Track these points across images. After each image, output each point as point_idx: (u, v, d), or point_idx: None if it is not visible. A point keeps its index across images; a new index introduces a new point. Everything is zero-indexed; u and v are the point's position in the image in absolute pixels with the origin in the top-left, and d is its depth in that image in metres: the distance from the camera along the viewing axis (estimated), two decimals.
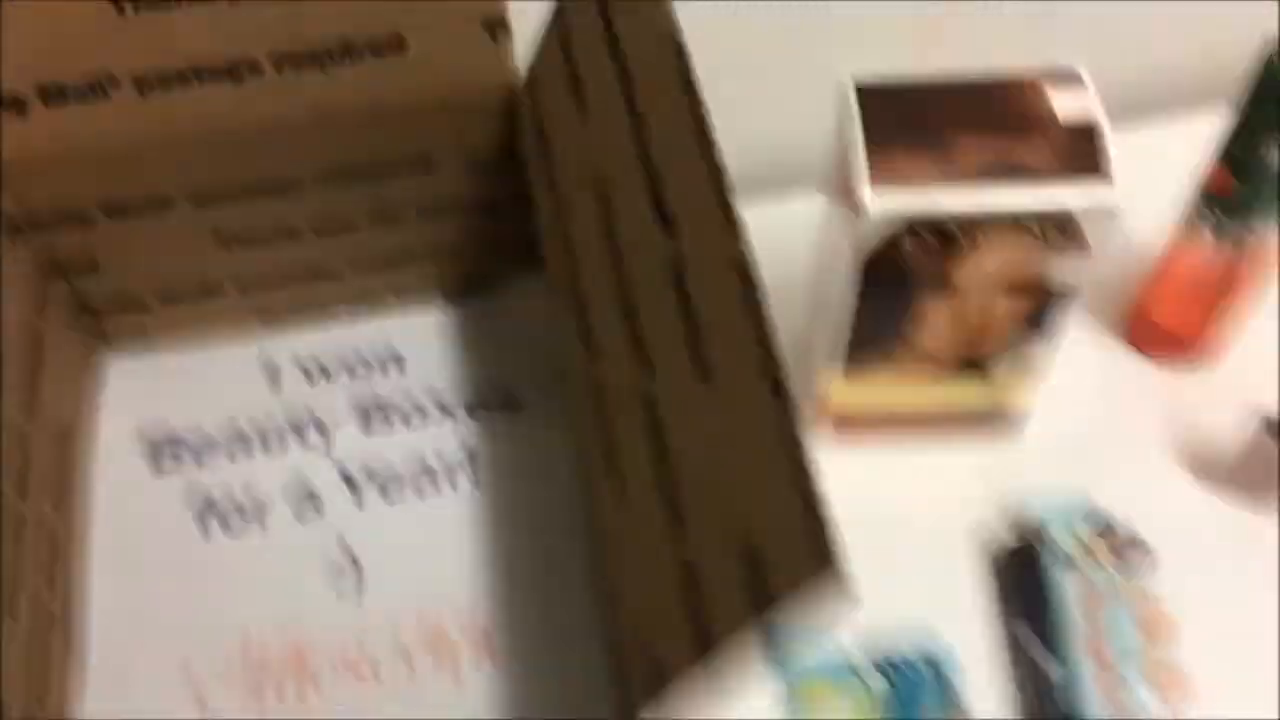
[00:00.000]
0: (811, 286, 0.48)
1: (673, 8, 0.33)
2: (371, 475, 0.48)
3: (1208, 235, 0.46)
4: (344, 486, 0.47)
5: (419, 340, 0.52)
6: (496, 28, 0.43)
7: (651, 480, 0.31)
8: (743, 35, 0.52)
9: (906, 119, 0.40)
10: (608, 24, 0.37)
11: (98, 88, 0.41)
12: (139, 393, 0.50)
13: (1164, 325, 0.51)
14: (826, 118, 0.45)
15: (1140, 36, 0.58)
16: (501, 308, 0.53)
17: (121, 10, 0.40)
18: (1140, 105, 0.56)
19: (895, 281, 0.40)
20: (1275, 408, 0.48)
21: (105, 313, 0.49)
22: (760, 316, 0.26)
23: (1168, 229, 0.49)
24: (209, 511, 0.47)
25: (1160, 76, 0.61)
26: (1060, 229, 0.39)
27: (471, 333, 0.52)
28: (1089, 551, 0.44)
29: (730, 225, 0.28)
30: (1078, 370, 0.48)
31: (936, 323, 0.42)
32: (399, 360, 0.51)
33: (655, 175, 0.33)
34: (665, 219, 0.32)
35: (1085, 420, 0.50)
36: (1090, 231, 0.39)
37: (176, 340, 0.51)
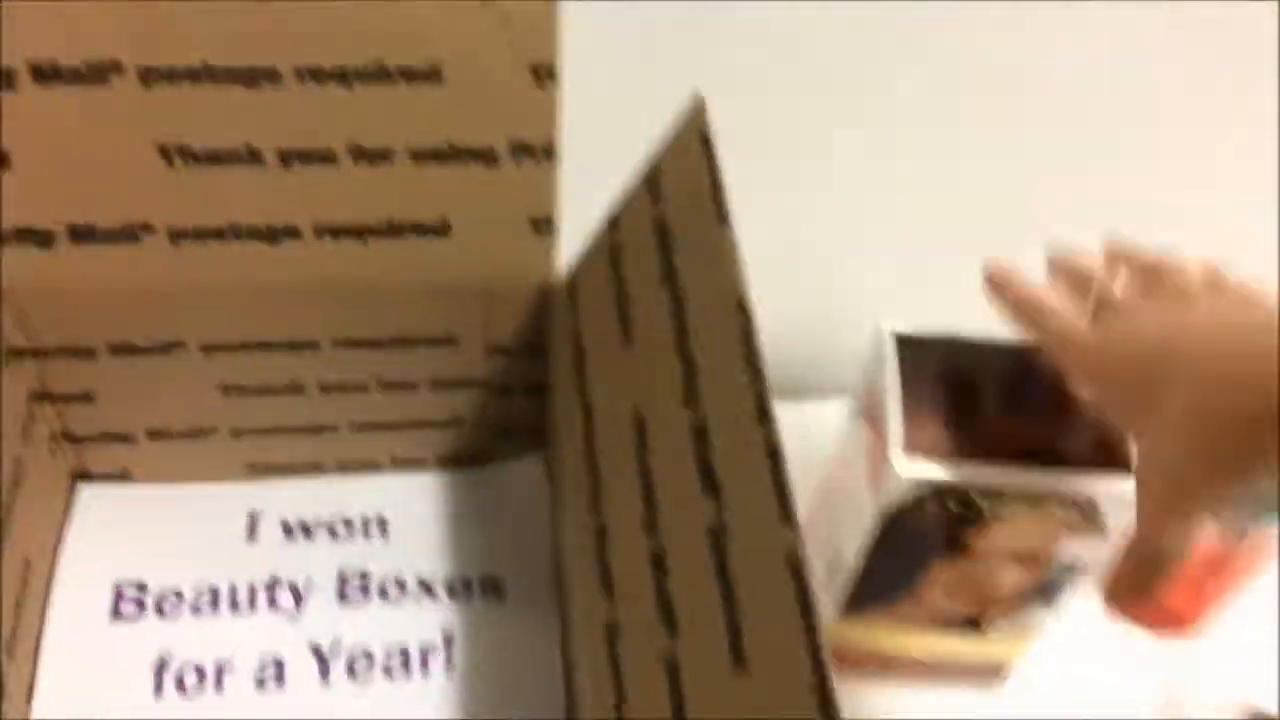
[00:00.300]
0: (818, 510, 0.48)
1: (741, 261, 0.33)
2: (340, 649, 0.45)
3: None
4: (311, 658, 0.45)
5: (407, 506, 0.51)
6: (542, 225, 0.43)
7: None
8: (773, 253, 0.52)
9: (943, 382, 0.40)
10: (666, 257, 0.37)
11: (130, 233, 0.40)
12: (109, 528, 0.48)
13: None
14: (848, 335, 0.45)
15: None
16: (495, 482, 0.52)
17: (170, 163, 0.39)
18: None
19: (912, 540, 0.40)
20: (1255, 694, 0.48)
21: (88, 441, 0.47)
22: (812, 624, 0.26)
23: None
24: (166, 668, 0.44)
25: None
26: (1081, 513, 0.39)
27: (462, 505, 0.51)
28: None
29: (786, 514, 0.28)
30: (1065, 629, 0.48)
31: (945, 582, 0.42)
32: (384, 525, 0.50)
33: (703, 432, 0.32)
34: (711, 483, 0.31)
35: (1069, 680, 0.49)
36: (1109, 518, 0.39)
37: (156, 478, 0.49)
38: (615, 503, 0.37)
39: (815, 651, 0.26)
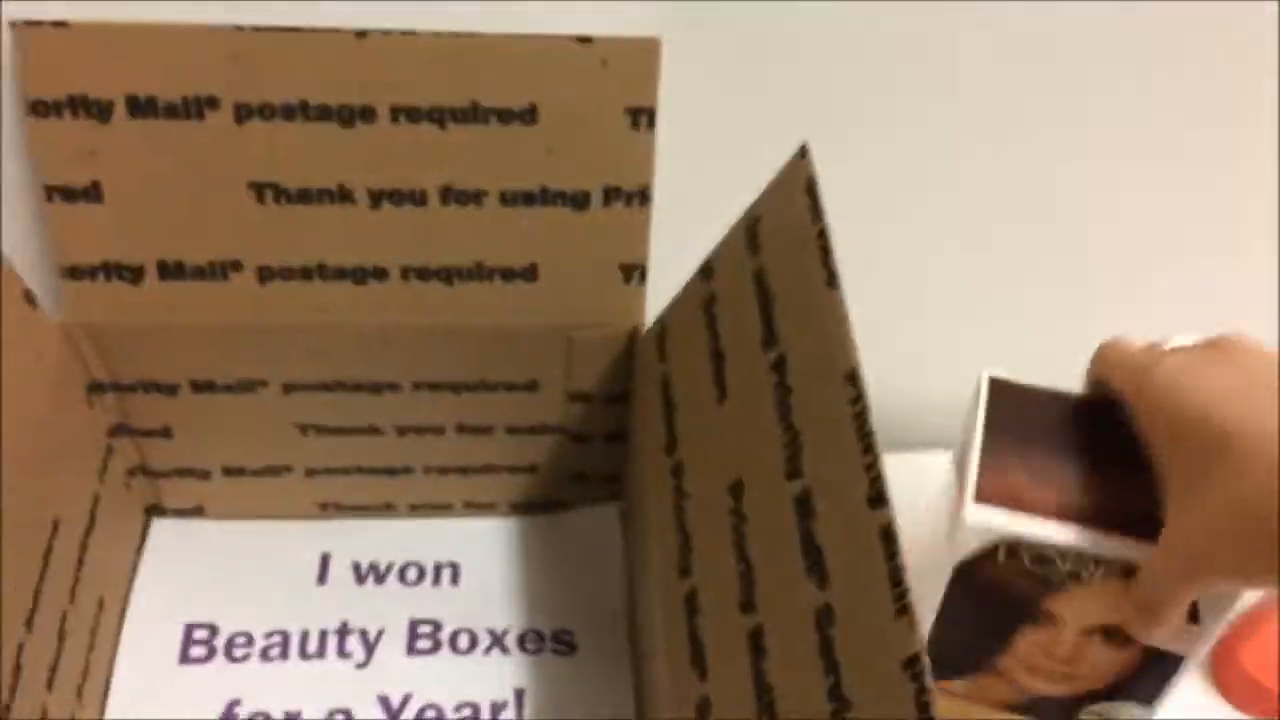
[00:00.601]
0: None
1: (851, 329, 0.31)
2: (409, 704, 0.44)
3: None
4: (379, 710, 0.44)
5: (478, 552, 0.49)
6: (632, 271, 0.42)
7: None
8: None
9: (1033, 431, 0.37)
10: (767, 314, 0.35)
11: (219, 270, 0.39)
12: (181, 564, 0.47)
13: (1252, 674, 0.49)
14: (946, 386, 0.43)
15: None
16: (568, 530, 0.50)
17: (262, 201, 0.38)
18: None
19: (988, 601, 0.38)
20: None
21: (164, 477, 0.47)
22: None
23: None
24: (232, 715, 0.43)
25: None
26: None
27: (534, 553, 0.50)
28: None
29: (902, 608, 0.26)
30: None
31: (1027, 656, 0.40)
32: (455, 572, 0.48)
33: (809, 509, 0.30)
34: (818, 564, 0.29)
35: None
36: (1205, 607, 0.36)
37: (229, 514, 0.48)
38: (707, 571, 0.35)
39: None
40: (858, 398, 0.30)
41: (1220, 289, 0.56)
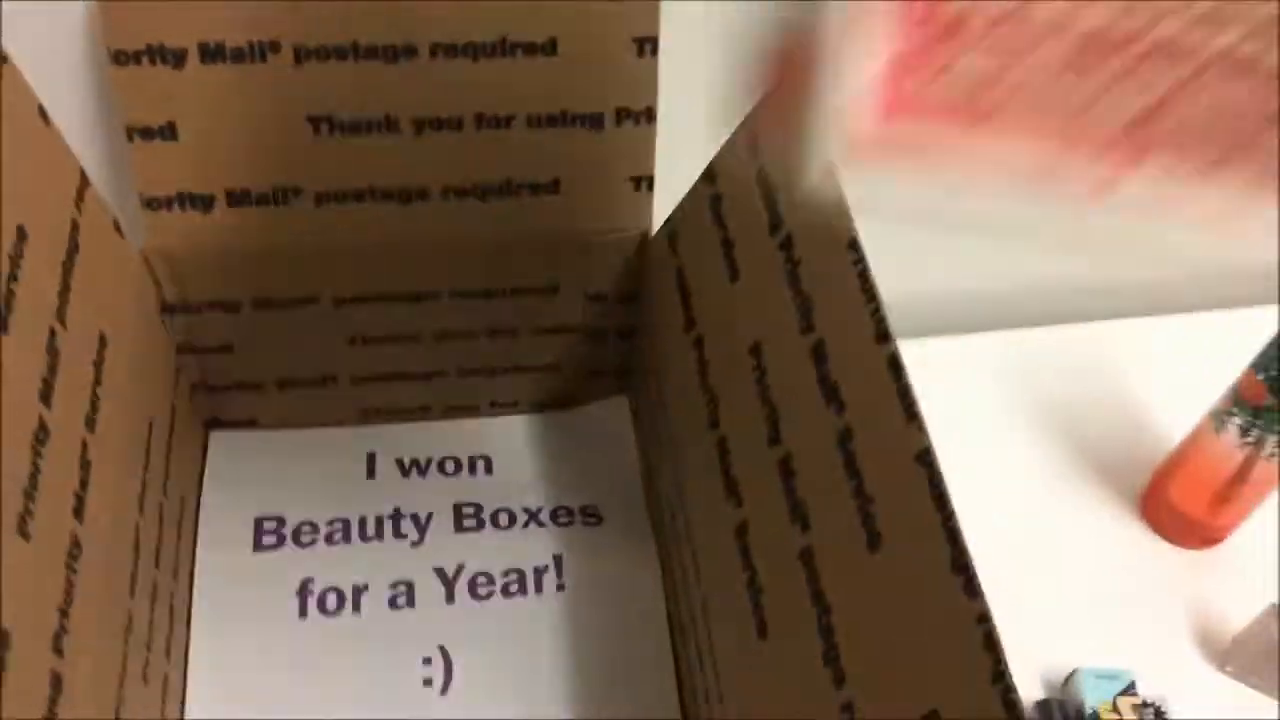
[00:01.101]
0: None
1: (848, 208, 0.38)
2: (462, 572, 0.50)
3: (1233, 432, 0.52)
4: (436, 579, 0.50)
5: (507, 445, 0.55)
6: (641, 182, 0.48)
7: (808, 629, 0.35)
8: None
9: None
10: (771, 205, 0.41)
11: (281, 196, 0.44)
12: (242, 470, 0.52)
13: (1180, 508, 0.56)
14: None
15: None
16: (584, 422, 0.57)
17: (318, 132, 0.43)
18: (1195, 294, 0.61)
19: None
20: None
21: (222, 391, 0.52)
22: (948, 510, 0.31)
23: (1198, 416, 0.54)
24: (309, 593, 0.49)
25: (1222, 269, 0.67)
26: None
27: (555, 444, 0.56)
28: (1115, 711, 0.49)
29: (911, 416, 0.33)
30: (1093, 542, 0.53)
31: None
32: (489, 463, 0.54)
33: (823, 355, 0.37)
34: (835, 397, 0.36)
35: (1099, 592, 0.54)
36: None
37: (279, 424, 0.54)
38: (736, 418, 0.42)
39: (953, 535, 0.30)
40: (859, 259, 0.36)
41: None
